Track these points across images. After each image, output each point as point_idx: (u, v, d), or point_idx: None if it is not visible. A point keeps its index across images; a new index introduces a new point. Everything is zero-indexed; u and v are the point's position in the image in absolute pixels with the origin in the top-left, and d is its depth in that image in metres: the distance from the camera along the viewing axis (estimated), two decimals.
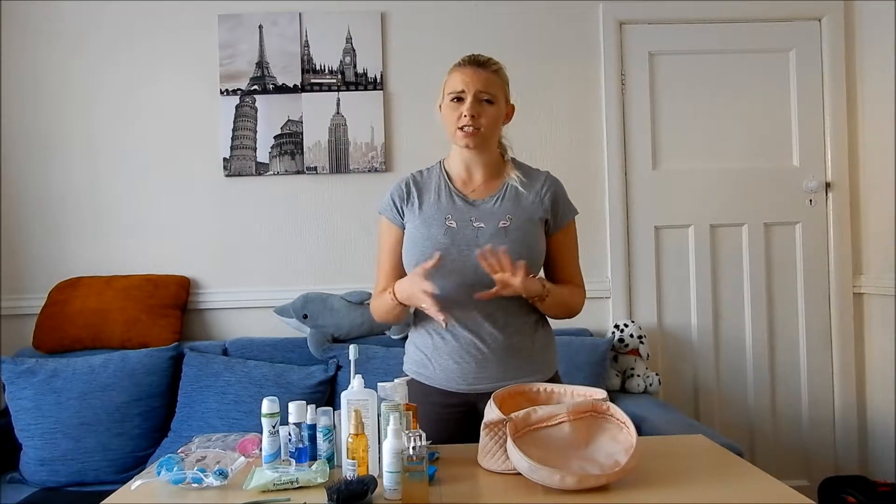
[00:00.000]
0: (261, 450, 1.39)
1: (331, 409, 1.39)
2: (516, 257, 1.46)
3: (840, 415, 2.73)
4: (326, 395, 2.32)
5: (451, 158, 1.61)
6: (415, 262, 1.51)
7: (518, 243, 1.49)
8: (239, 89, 2.66)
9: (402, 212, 1.59)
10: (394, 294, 1.51)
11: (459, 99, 1.51)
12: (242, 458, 1.41)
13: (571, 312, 1.60)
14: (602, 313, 2.70)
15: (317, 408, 1.39)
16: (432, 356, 1.54)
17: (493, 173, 1.59)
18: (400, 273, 1.58)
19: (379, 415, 1.34)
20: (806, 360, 2.74)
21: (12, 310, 2.61)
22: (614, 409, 1.31)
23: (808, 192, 2.73)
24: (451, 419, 1.52)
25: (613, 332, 2.58)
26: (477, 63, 1.53)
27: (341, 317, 2.48)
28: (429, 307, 1.40)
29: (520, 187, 1.55)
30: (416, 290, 1.42)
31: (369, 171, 2.67)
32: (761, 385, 2.73)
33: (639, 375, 2.50)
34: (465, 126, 1.50)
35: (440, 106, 1.58)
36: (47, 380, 2.24)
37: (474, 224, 1.51)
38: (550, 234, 1.57)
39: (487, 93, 1.51)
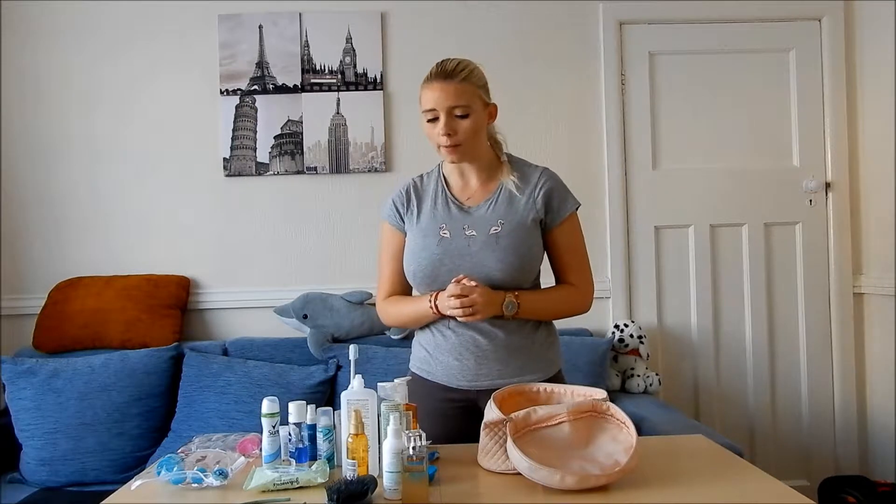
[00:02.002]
0: (261, 450, 1.39)
1: (331, 409, 1.39)
2: (507, 263, 1.47)
3: (840, 415, 2.73)
4: (326, 395, 2.32)
5: (446, 164, 1.61)
6: (412, 272, 1.53)
7: (508, 250, 1.48)
8: (239, 89, 2.66)
9: (404, 218, 1.60)
10: (436, 307, 1.49)
11: (434, 118, 1.49)
12: (242, 458, 1.41)
13: (568, 314, 1.58)
14: (602, 313, 2.70)
15: (317, 408, 1.39)
16: (434, 353, 1.55)
17: (488, 176, 1.58)
18: (401, 278, 1.59)
19: (379, 415, 1.34)
20: (806, 360, 2.74)
21: (12, 310, 2.61)
22: (614, 409, 1.31)
23: (808, 192, 2.73)
24: (452, 415, 1.53)
25: (613, 332, 2.58)
26: (444, 75, 1.49)
27: (341, 317, 2.48)
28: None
29: (514, 191, 1.54)
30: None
31: (369, 171, 2.67)
32: (761, 385, 2.73)
33: (639, 375, 2.50)
34: (443, 145, 1.49)
35: None
36: (47, 380, 2.24)
37: (466, 233, 1.51)
38: (549, 230, 1.55)
39: (459, 106, 1.47)
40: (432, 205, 1.57)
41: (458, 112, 1.48)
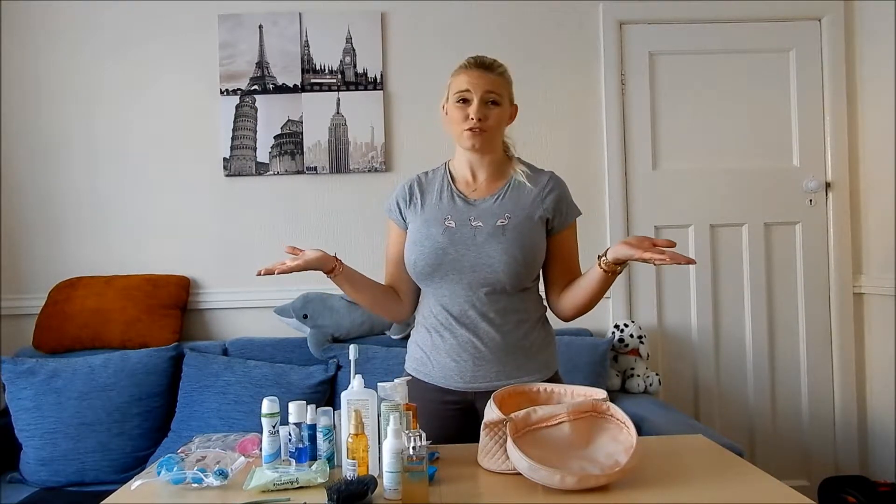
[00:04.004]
0: (261, 450, 1.39)
1: (331, 409, 1.39)
2: (512, 256, 1.48)
3: (840, 415, 2.73)
4: (326, 395, 2.32)
5: (455, 160, 1.62)
6: (414, 261, 1.53)
7: (514, 242, 1.49)
8: (239, 89, 2.66)
9: (405, 214, 1.61)
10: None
11: (465, 100, 1.51)
12: (242, 458, 1.41)
13: (592, 307, 1.59)
14: (602, 313, 2.70)
15: (317, 408, 1.39)
16: (431, 354, 1.55)
17: (496, 173, 1.59)
18: (400, 270, 1.60)
19: (379, 415, 1.34)
20: (806, 359, 2.74)
21: (12, 310, 2.61)
22: (614, 409, 1.31)
23: (808, 192, 2.73)
24: (449, 416, 1.53)
25: (613, 332, 2.58)
26: (483, 66, 1.53)
27: (341, 317, 2.48)
28: None
29: (526, 182, 1.56)
30: None
31: (369, 171, 2.67)
32: (761, 385, 2.73)
33: (639, 375, 2.50)
34: (472, 128, 1.50)
35: (444, 108, 1.58)
36: (47, 380, 2.24)
37: (472, 224, 1.52)
38: (553, 234, 1.57)
39: (494, 93, 1.51)
40: (437, 198, 1.58)
41: (491, 98, 1.51)
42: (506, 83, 1.55)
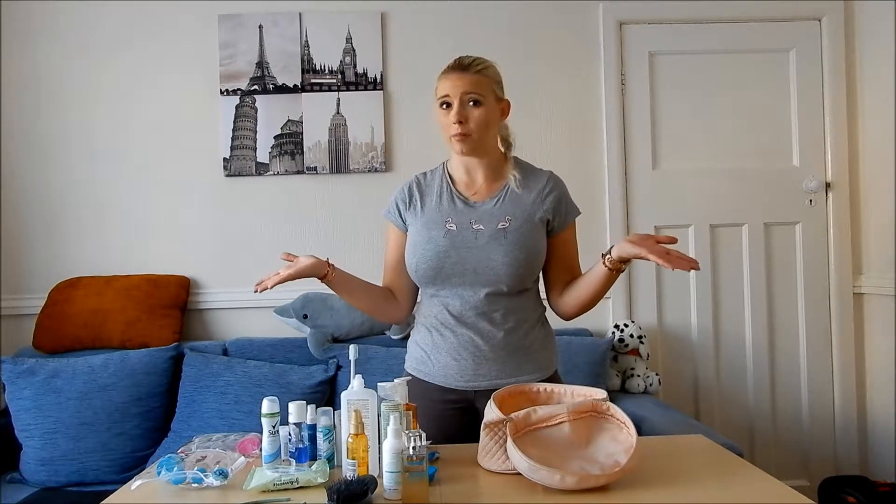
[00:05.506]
0: (261, 450, 1.39)
1: (331, 409, 1.39)
2: (514, 258, 1.47)
3: (840, 415, 2.73)
4: (326, 395, 2.32)
5: (452, 161, 1.62)
6: (415, 264, 1.53)
7: (516, 245, 1.49)
8: (239, 89, 2.66)
9: (404, 216, 1.60)
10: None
11: (447, 105, 1.51)
12: (242, 458, 1.41)
13: (595, 305, 1.59)
14: (602, 313, 2.70)
15: (317, 408, 1.40)
16: (432, 353, 1.54)
17: (494, 174, 1.58)
18: (400, 273, 1.60)
19: (379, 415, 1.34)
20: (806, 360, 2.74)
21: (12, 310, 2.61)
22: (614, 409, 1.31)
23: (808, 192, 2.74)
24: (449, 416, 1.53)
25: (613, 332, 2.58)
26: (461, 67, 1.51)
27: (341, 317, 2.48)
28: None
29: (515, 188, 1.55)
30: None
31: (369, 171, 2.67)
32: (761, 385, 2.73)
33: (639, 375, 2.50)
34: (455, 133, 1.50)
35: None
36: (47, 380, 2.24)
37: (474, 226, 1.52)
38: (553, 234, 1.56)
39: (473, 93, 1.49)
40: (437, 200, 1.57)
41: (471, 99, 1.49)
42: (487, 81, 1.51)
